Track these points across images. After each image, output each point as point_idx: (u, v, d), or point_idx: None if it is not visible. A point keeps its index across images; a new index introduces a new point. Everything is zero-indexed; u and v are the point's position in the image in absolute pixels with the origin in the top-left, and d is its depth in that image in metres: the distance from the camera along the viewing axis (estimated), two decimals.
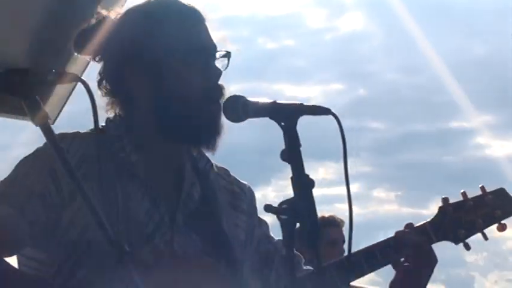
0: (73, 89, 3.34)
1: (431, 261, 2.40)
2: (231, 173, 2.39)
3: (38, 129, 1.67)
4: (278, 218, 1.70)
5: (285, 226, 1.69)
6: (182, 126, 2.10)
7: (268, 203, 1.70)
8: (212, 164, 2.30)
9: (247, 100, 1.83)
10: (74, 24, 3.03)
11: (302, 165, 1.71)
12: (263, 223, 2.39)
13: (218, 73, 2.12)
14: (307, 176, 1.71)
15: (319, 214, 1.77)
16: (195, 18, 2.17)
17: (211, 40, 2.17)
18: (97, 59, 2.20)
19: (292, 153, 1.72)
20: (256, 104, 1.82)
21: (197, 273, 2.05)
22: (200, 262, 2.13)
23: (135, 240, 2.01)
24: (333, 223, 4.98)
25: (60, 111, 3.45)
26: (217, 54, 2.16)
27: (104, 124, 2.19)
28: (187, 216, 2.18)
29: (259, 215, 2.40)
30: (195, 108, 2.09)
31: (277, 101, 1.78)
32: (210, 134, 2.13)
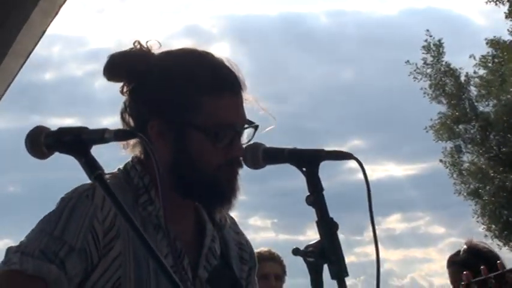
0: (18, 71, 3.28)
1: None
2: (237, 223, 2.33)
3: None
4: (305, 260, 1.68)
5: (312, 268, 1.67)
6: (199, 190, 2.03)
7: (295, 247, 1.67)
8: (226, 217, 2.23)
9: (267, 147, 1.81)
10: None
11: (326, 209, 1.69)
12: (256, 283, 2.32)
13: (240, 152, 2.00)
14: (332, 219, 1.69)
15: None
16: (235, 89, 2.06)
17: (242, 115, 2.07)
18: (125, 89, 2.09)
19: (316, 198, 1.70)
20: (276, 150, 1.80)
21: None
22: None
23: None
24: (266, 258, 4.84)
25: (5, 92, 3.39)
26: (245, 130, 2.06)
27: (122, 168, 2.10)
28: (210, 272, 2.11)
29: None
30: (212, 177, 2.01)
31: (297, 147, 1.76)
32: (226, 199, 2.06)
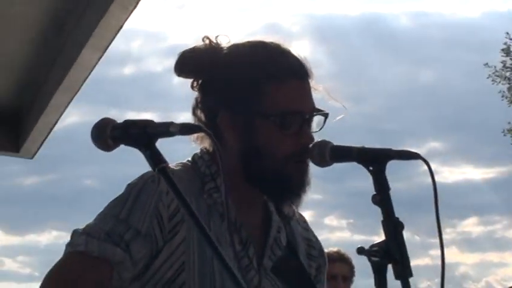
0: (53, 126, 3.33)
1: None
2: (307, 221, 2.30)
3: None
4: (369, 260, 1.66)
5: (376, 268, 1.65)
6: (268, 181, 2.01)
7: (360, 245, 1.65)
8: (294, 211, 2.21)
9: (335, 145, 1.80)
10: (55, 65, 3.06)
11: (392, 209, 1.67)
12: (324, 279, 2.30)
13: (310, 139, 1.98)
14: (397, 218, 1.67)
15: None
16: (301, 76, 2.05)
17: (310, 102, 2.05)
18: (195, 85, 2.10)
19: (382, 197, 1.68)
20: (343, 148, 1.79)
21: None
22: None
23: (228, 284, 1.96)
24: (334, 258, 4.78)
25: (41, 145, 3.45)
26: (314, 117, 2.05)
27: (190, 159, 2.11)
28: (275, 262, 2.10)
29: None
30: (281, 167, 1.99)
31: (365, 146, 1.75)
32: (295, 192, 2.04)
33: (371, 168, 1.71)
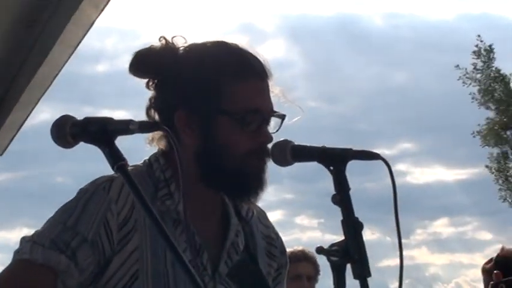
0: (23, 123, 3.32)
1: None
2: (268, 216, 2.26)
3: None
4: (328, 259, 1.66)
5: (335, 267, 1.65)
6: (222, 178, 1.99)
7: (319, 245, 1.65)
8: (253, 211, 2.20)
9: (295, 145, 1.80)
10: (25, 62, 3.04)
11: (352, 209, 1.67)
12: (284, 279, 2.25)
13: (268, 138, 1.97)
14: (357, 218, 1.67)
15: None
16: (261, 76, 2.04)
17: (269, 102, 2.04)
18: (151, 84, 2.07)
19: (342, 197, 1.68)
20: (304, 148, 1.79)
21: None
22: None
23: None
24: (299, 258, 4.77)
25: (11, 141, 3.43)
26: (272, 118, 2.02)
27: (147, 159, 2.06)
28: (231, 268, 2.06)
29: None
30: (240, 164, 1.97)
31: (326, 146, 1.75)
32: (253, 190, 2.00)
33: (331, 168, 1.71)
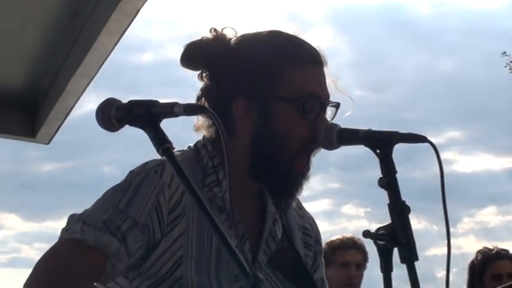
0: (70, 112, 3.33)
1: None
2: (302, 204, 2.28)
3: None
4: (375, 243, 1.65)
5: (382, 251, 1.65)
6: (272, 169, 2.00)
7: (366, 229, 1.64)
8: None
9: (342, 128, 1.79)
10: (71, 50, 3.05)
11: (398, 192, 1.66)
12: (322, 264, 2.29)
13: (325, 126, 1.97)
14: (404, 202, 1.66)
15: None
16: (317, 63, 2.05)
17: (326, 89, 2.05)
18: (204, 75, 2.09)
19: (389, 180, 1.66)
20: (350, 131, 1.78)
21: None
22: None
23: (224, 278, 1.95)
24: (348, 245, 4.75)
25: (57, 130, 3.45)
26: (328, 105, 2.04)
27: (192, 146, 2.10)
28: (269, 256, 2.08)
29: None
30: (288, 158, 1.98)
31: (372, 129, 1.73)
32: (293, 190, 2.05)
33: (378, 151, 1.70)
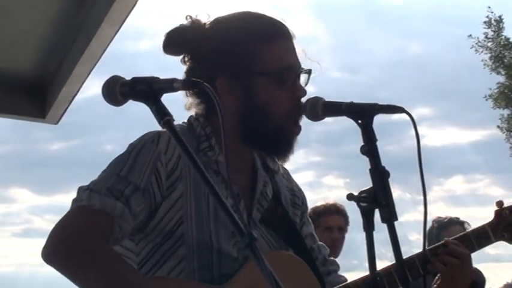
0: (76, 95, 3.32)
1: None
2: (289, 172, 2.32)
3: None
4: (358, 205, 1.65)
5: (365, 213, 1.64)
6: (263, 137, 2.02)
7: (350, 192, 1.64)
8: (279, 165, 2.22)
9: (326, 101, 1.79)
10: (76, 38, 3.03)
11: (379, 158, 1.66)
12: (310, 222, 2.32)
13: (303, 92, 2.01)
14: (384, 167, 1.65)
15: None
16: (286, 36, 2.05)
17: (297, 59, 2.06)
18: (186, 59, 2.09)
19: (369, 148, 1.66)
20: (334, 104, 1.77)
21: (286, 266, 2.02)
22: (284, 256, 2.08)
23: (222, 234, 1.95)
24: (331, 211, 4.79)
25: (65, 111, 3.44)
26: (301, 73, 2.05)
27: (185, 122, 2.10)
28: (262, 213, 2.11)
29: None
30: (277, 125, 2.00)
31: (354, 101, 1.73)
32: (286, 150, 2.05)
33: (359, 121, 1.69)
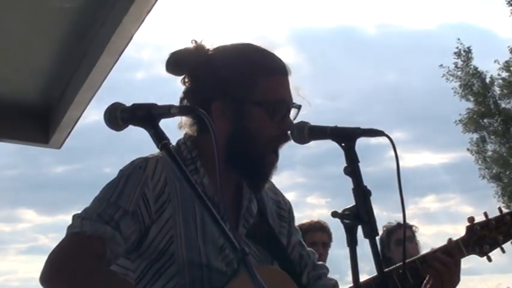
0: (77, 121, 3.33)
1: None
2: (275, 185, 2.31)
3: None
4: (342, 222, 1.66)
5: (348, 229, 1.65)
6: (246, 161, 2.03)
7: (334, 210, 1.66)
8: None
9: (312, 125, 1.81)
10: (78, 68, 3.05)
11: (361, 178, 1.67)
12: (297, 231, 2.32)
13: (290, 126, 2.00)
14: (365, 186, 1.67)
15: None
16: (284, 73, 2.06)
17: (290, 95, 2.06)
18: (186, 80, 2.09)
19: (352, 169, 1.68)
20: (319, 128, 1.79)
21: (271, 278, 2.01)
22: (269, 271, 2.08)
23: (210, 250, 1.96)
24: (316, 228, 4.84)
25: (67, 136, 3.45)
26: (292, 108, 2.06)
27: (174, 145, 2.09)
28: (248, 229, 2.11)
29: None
30: (260, 153, 2.01)
31: (338, 126, 1.75)
32: (263, 180, 2.07)
33: (343, 144, 1.71)
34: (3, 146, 3.60)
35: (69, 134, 3.43)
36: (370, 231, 1.63)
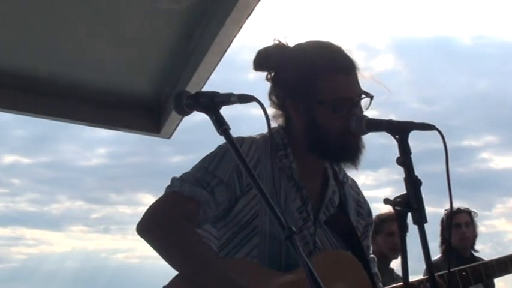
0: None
1: None
2: (358, 185, 2.33)
3: None
4: (394, 209, 1.66)
5: (399, 215, 1.66)
6: (327, 148, 2.05)
7: (386, 197, 1.66)
8: (348, 177, 2.24)
9: (369, 118, 1.82)
10: (186, 66, 3.10)
11: (412, 168, 1.67)
12: (369, 238, 2.32)
13: (356, 116, 1.99)
14: (416, 176, 1.66)
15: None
16: (349, 69, 2.06)
17: (356, 89, 2.06)
18: (269, 77, 2.15)
19: (405, 159, 1.67)
20: (376, 121, 1.80)
21: (341, 263, 2.04)
22: (342, 254, 2.09)
23: None
24: (393, 218, 4.74)
25: (176, 127, 3.52)
26: (361, 100, 2.05)
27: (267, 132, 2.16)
28: (328, 217, 2.14)
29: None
30: (337, 143, 2.03)
31: (392, 119, 1.75)
32: (352, 156, 2.05)
33: (397, 136, 1.71)
34: (127, 136, 3.75)
35: (177, 125, 3.55)
36: (419, 218, 1.62)
